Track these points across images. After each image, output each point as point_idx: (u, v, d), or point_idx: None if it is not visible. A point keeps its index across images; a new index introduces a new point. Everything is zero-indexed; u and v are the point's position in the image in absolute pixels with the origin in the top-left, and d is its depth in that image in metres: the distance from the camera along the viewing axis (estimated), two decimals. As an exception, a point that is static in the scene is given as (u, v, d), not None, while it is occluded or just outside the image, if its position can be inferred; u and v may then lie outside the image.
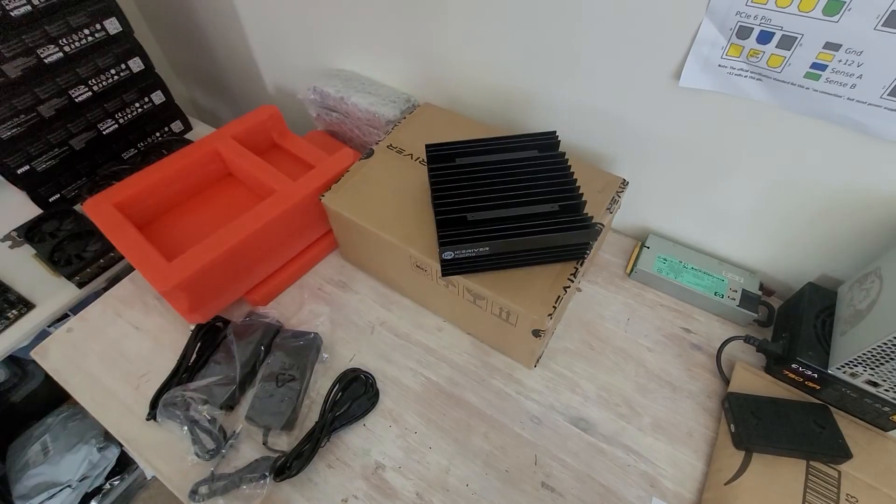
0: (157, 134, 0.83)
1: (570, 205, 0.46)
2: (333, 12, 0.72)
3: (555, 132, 0.52)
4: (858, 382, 0.46)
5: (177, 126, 0.85)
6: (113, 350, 0.57)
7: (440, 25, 0.62)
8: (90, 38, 0.68)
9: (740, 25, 0.43)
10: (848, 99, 0.43)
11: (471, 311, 0.52)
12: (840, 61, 0.41)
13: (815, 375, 0.48)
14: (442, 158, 0.51)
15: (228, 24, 0.88)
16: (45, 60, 0.65)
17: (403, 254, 0.52)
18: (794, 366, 0.49)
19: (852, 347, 0.45)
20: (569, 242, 0.46)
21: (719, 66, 0.47)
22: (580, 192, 0.47)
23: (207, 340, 0.56)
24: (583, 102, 0.58)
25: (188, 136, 0.87)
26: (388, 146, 0.61)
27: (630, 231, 0.68)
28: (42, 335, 0.61)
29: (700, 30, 0.45)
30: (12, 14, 0.60)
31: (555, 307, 0.45)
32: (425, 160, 0.58)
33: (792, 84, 0.44)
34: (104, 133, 0.76)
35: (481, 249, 0.44)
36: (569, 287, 0.47)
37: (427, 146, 0.51)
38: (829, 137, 0.46)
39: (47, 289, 0.65)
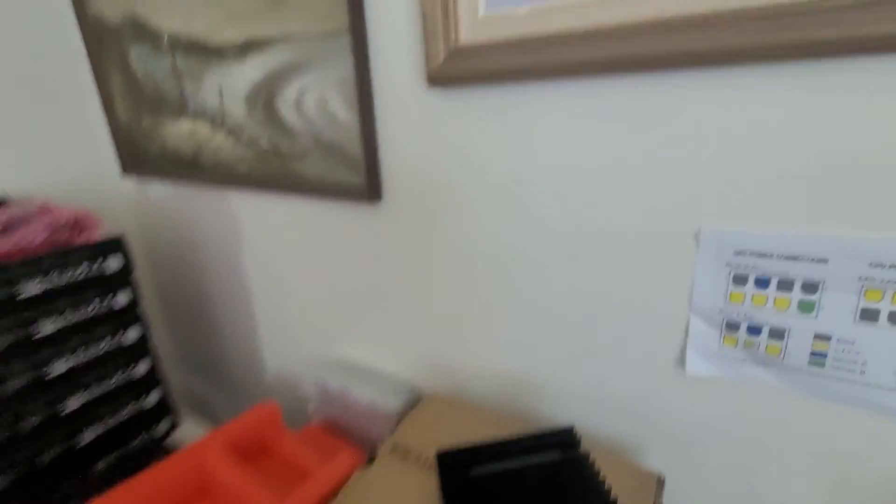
0: (137, 440, 0.77)
1: (613, 528, 0.38)
2: (341, 309, 0.78)
3: (572, 428, 0.49)
4: None
5: (163, 426, 0.80)
6: None
7: (442, 319, 0.67)
8: (107, 348, 0.71)
9: (726, 321, 0.47)
10: (863, 384, 0.42)
11: None
12: (838, 350, 0.42)
13: None
14: (454, 469, 0.45)
15: (240, 317, 0.95)
16: (46, 378, 0.65)
17: None
18: None
19: None
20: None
21: (719, 354, 0.48)
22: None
23: None
24: (595, 390, 0.57)
25: (176, 434, 0.81)
26: (391, 449, 0.56)
27: (682, 538, 0.57)
28: None
29: (690, 325, 0.48)
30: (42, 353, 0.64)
31: None
32: (434, 464, 0.52)
33: (799, 371, 0.44)
34: (78, 447, 0.70)
35: None
36: None
37: (438, 456, 0.47)
38: (867, 421, 0.43)
39: None
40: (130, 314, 0.73)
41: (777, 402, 0.47)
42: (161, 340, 1.10)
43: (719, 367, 0.48)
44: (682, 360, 0.50)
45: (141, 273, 1.06)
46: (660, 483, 0.49)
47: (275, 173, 0.74)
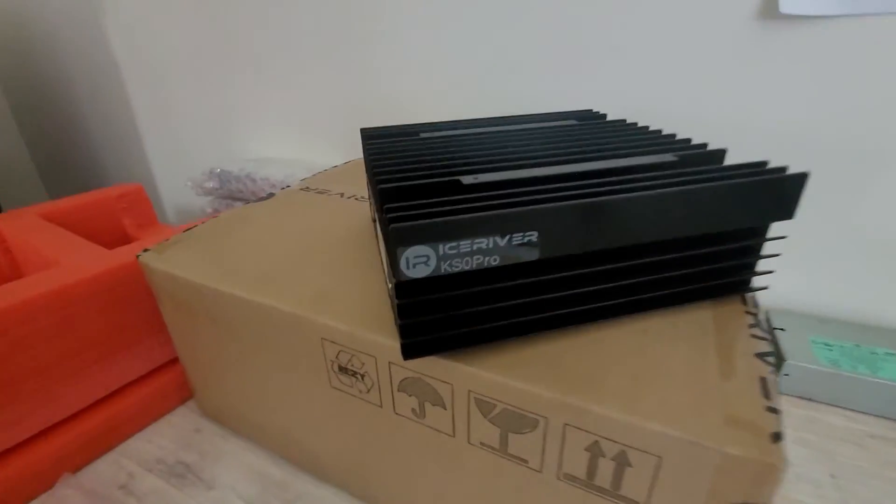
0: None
1: (697, 154, 0.19)
2: (247, 86, 0.55)
3: (590, 110, 0.30)
4: None
5: None
6: None
7: (388, 55, 0.45)
8: None
9: None
10: None
11: (505, 479, 0.19)
12: None
13: None
14: (391, 135, 0.25)
15: (115, 119, 0.70)
16: None
17: (307, 341, 0.21)
18: None
19: None
20: (725, 226, 0.17)
21: (843, -34, 0.28)
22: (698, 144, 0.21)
23: None
24: (610, 100, 0.38)
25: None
26: (303, 189, 0.35)
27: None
28: None
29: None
30: None
31: (775, 412, 0.14)
32: (364, 196, 0.33)
33: None
34: None
35: (520, 238, 0.15)
36: (769, 356, 0.17)
37: (363, 129, 0.26)
38: None
39: None
40: None
41: (926, 43, 0.28)
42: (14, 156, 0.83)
43: (836, -7, 0.29)
44: (764, 10, 0.31)
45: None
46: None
47: None
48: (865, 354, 0.32)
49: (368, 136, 0.25)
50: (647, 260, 0.17)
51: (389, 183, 0.17)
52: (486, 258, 0.15)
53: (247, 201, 0.53)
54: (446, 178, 0.17)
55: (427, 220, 0.13)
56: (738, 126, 0.34)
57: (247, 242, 0.27)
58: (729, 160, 0.20)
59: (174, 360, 0.33)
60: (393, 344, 0.18)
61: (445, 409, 0.18)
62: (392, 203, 0.15)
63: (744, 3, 0.31)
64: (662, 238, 0.16)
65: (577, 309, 0.17)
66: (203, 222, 0.30)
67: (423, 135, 0.25)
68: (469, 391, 0.17)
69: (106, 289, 0.28)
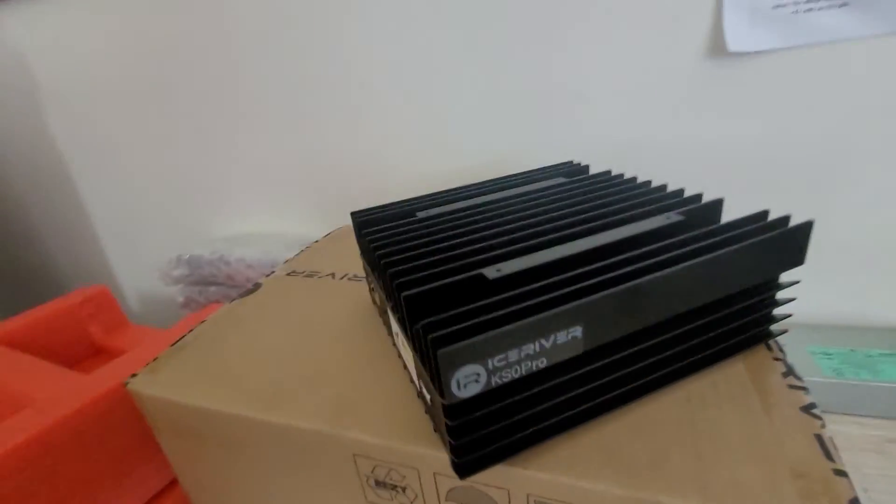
0: None
1: (699, 209, 0.20)
2: (208, 156, 0.53)
3: (570, 161, 0.30)
4: None
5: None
6: None
7: (356, 121, 0.45)
8: None
9: (783, -56, 0.30)
10: None
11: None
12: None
13: None
14: (388, 219, 0.25)
15: (65, 215, 0.66)
16: None
17: (336, 458, 0.19)
18: None
19: None
20: (747, 283, 0.18)
21: (775, 7, 0.31)
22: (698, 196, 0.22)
23: None
24: (584, 143, 0.39)
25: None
26: (288, 274, 0.34)
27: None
28: None
29: (725, -26, 0.31)
30: None
31: (844, 474, 0.14)
32: (357, 275, 0.32)
33: (900, -6, 0.29)
34: None
35: (565, 335, 0.14)
36: (813, 408, 0.17)
37: (354, 213, 0.26)
38: None
39: None
40: None
41: (862, 66, 0.31)
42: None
43: (775, 31, 0.31)
44: (714, 47, 0.33)
45: None
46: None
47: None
48: (862, 358, 0.33)
49: (363, 223, 0.24)
50: (680, 330, 0.17)
51: (411, 288, 0.16)
52: (534, 362, 0.14)
53: (220, 285, 0.50)
54: (468, 274, 0.17)
55: (474, 339, 0.13)
56: (701, 157, 0.36)
57: (244, 349, 0.25)
58: (696, 188, 0.20)
59: (173, 483, 0.30)
60: (436, 454, 0.17)
61: (501, 515, 0.17)
62: (423, 315, 0.14)
63: (693, 44, 0.33)
64: (693, 306, 0.16)
65: (622, 390, 0.17)
66: (189, 329, 0.28)
67: (419, 214, 0.24)
68: (528, 495, 0.16)
69: (91, 422, 0.25)
